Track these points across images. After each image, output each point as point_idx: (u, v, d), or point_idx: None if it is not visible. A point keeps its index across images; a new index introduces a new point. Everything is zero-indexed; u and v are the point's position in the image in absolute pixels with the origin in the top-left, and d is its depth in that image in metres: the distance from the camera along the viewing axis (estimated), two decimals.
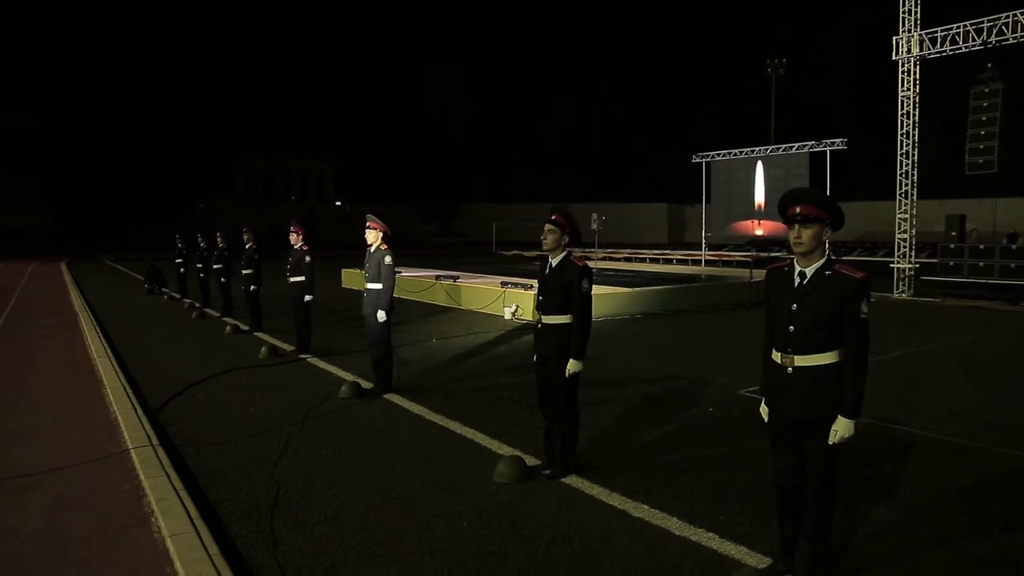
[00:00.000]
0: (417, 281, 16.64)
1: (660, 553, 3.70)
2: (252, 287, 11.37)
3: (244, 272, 11.47)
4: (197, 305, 14.59)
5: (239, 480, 4.81)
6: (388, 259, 7.21)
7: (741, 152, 25.94)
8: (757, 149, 25.60)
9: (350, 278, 19.57)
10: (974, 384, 7.66)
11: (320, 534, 3.97)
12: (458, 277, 16.74)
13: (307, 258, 9.43)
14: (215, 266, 13.73)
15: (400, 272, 16.52)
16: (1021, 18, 15.02)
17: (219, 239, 13.63)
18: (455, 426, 6.06)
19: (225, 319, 12.92)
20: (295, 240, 9.53)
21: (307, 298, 9.41)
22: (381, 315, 7.16)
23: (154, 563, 3.63)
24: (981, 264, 15.77)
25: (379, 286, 7.22)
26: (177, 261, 17.73)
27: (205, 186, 67.03)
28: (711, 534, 3.91)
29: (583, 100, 74.18)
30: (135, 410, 6.46)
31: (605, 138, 72.09)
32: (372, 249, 7.33)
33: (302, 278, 9.42)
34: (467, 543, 3.84)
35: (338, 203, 71.46)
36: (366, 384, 7.41)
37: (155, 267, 19.65)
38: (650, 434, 5.83)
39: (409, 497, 4.50)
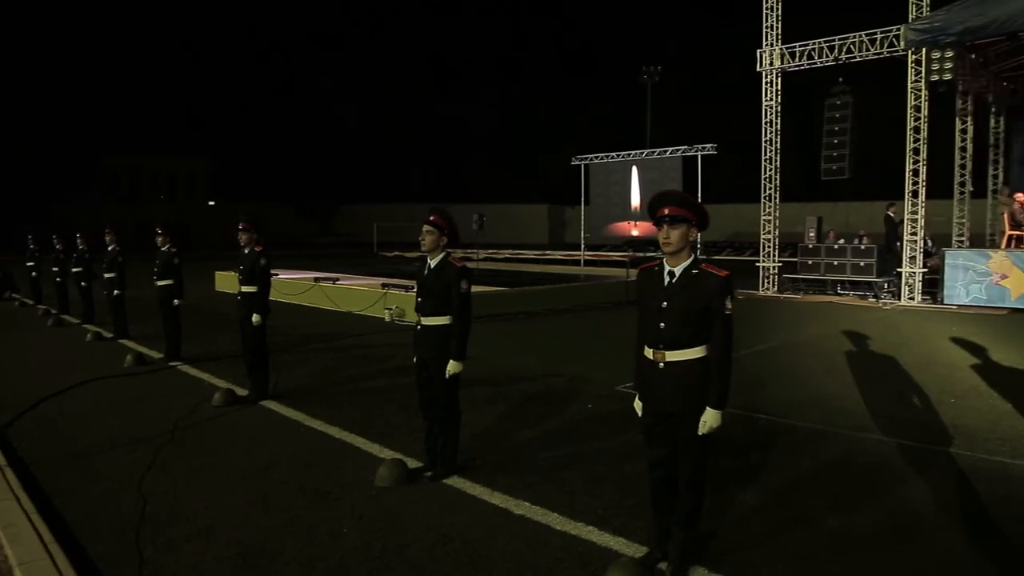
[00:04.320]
0: (295, 283, 16.17)
1: (541, 549, 3.76)
2: (115, 291, 10.75)
3: (106, 275, 10.82)
4: (53, 312, 13.60)
5: (101, 498, 4.51)
6: (263, 261, 7.00)
7: (618, 155, 26.76)
8: (633, 153, 26.48)
9: (224, 281, 18.80)
10: (830, 374, 8.24)
11: (192, 549, 3.79)
12: (338, 279, 16.41)
13: (176, 260, 9.02)
14: (74, 269, 12.85)
15: (276, 274, 16.03)
16: (866, 39, 16.30)
17: (78, 240, 12.78)
18: (334, 431, 5.93)
19: (86, 326, 12.11)
20: (162, 241, 9.10)
21: (176, 302, 8.99)
22: (256, 319, 6.93)
23: None
24: (836, 263, 16.97)
25: (254, 289, 6.99)
26: (29, 264, 16.46)
27: (64, 183, 62.33)
28: (590, 527, 4.01)
29: (465, 102, 74.45)
30: None
31: (487, 139, 72.59)
32: (246, 251, 7.09)
33: (171, 281, 8.99)
34: (348, 550, 3.77)
35: (211, 202, 68.31)
36: (241, 391, 7.13)
37: (3, 271, 18.19)
38: (531, 432, 5.91)
39: (287, 506, 4.37)
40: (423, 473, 4.85)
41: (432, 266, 4.81)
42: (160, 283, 9.05)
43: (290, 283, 16.22)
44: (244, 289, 7.08)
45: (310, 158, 72.77)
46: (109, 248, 10.93)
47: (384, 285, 14.12)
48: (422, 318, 4.82)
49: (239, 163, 71.25)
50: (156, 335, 9.83)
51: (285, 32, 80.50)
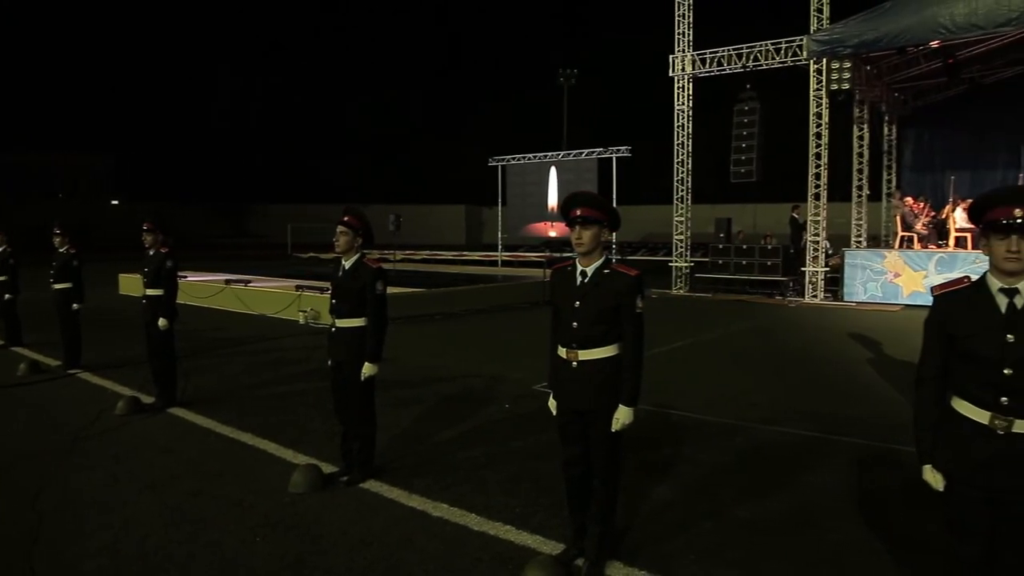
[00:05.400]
0: (204, 286, 15.62)
1: (459, 550, 3.76)
2: (6, 296, 10.13)
3: None
4: None
5: None
6: (169, 263, 6.75)
7: (535, 156, 27.02)
8: (550, 154, 26.81)
9: (128, 284, 17.98)
10: (740, 369, 8.54)
11: (92, 567, 3.61)
12: (250, 281, 15.96)
13: (74, 262, 8.59)
14: None
15: (184, 276, 15.46)
16: (772, 48, 16.99)
17: None
18: (247, 437, 5.76)
19: None
20: (60, 242, 8.65)
21: (75, 306, 8.56)
22: (162, 323, 6.67)
23: None
24: (744, 262, 17.59)
25: (159, 292, 6.73)
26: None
27: None
28: (508, 527, 4.03)
29: (382, 101, 73.56)
30: None
31: (404, 140, 71.91)
32: (151, 252, 6.82)
33: (69, 284, 8.56)
34: (261, 559, 3.67)
35: (114, 201, 65.19)
36: (147, 398, 6.84)
37: None
38: (448, 432, 5.90)
39: (196, 516, 4.22)
40: (339, 478, 4.77)
41: (347, 267, 4.73)
42: (57, 286, 8.59)
43: (199, 286, 15.66)
44: (149, 292, 6.80)
45: (220, 156, 70.37)
46: None
47: (298, 287, 13.82)
48: (337, 320, 4.75)
49: (145, 161, 68.31)
50: (53, 342, 9.31)
51: (191, 28, 77.66)
